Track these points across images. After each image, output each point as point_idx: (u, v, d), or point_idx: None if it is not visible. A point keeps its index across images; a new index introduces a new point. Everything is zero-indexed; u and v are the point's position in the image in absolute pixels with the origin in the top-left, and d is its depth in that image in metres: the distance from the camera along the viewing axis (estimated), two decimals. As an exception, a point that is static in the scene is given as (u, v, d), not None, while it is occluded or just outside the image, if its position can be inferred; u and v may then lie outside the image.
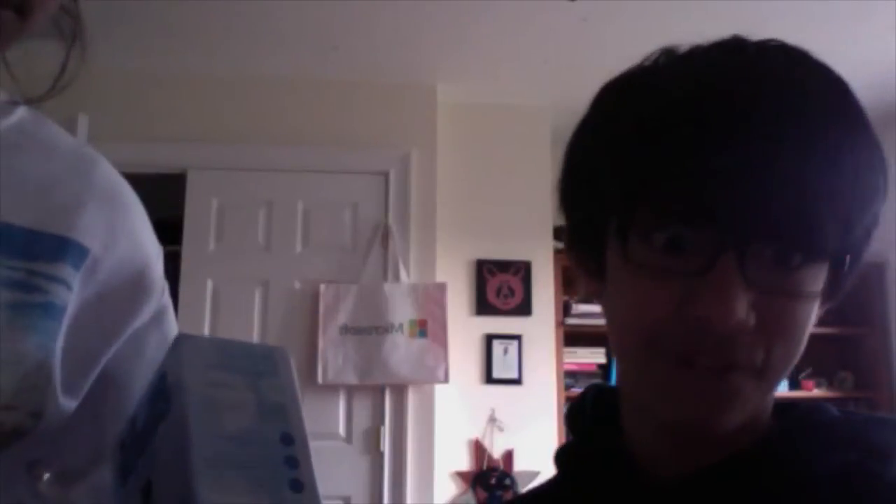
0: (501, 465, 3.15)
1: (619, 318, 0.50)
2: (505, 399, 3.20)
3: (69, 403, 0.58)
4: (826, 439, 0.48)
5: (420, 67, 3.23)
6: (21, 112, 0.59)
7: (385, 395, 2.97)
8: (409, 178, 3.19)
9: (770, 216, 0.42)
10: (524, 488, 3.01)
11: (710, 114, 0.43)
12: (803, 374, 3.67)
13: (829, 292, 0.47)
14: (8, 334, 0.50)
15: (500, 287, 3.39)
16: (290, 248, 3.07)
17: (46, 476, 0.61)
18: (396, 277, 3.05)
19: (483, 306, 3.37)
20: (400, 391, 2.99)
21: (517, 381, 3.31)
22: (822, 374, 3.71)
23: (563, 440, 3.32)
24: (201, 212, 3.07)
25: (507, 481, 3.12)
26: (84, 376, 0.60)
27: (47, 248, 0.54)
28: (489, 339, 3.34)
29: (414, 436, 2.96)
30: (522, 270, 3.38)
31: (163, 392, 0.63)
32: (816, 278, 0.45)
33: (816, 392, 3.63)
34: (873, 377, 3.68)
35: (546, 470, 3.10)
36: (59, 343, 0.55)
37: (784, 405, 0.52)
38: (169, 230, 3.46)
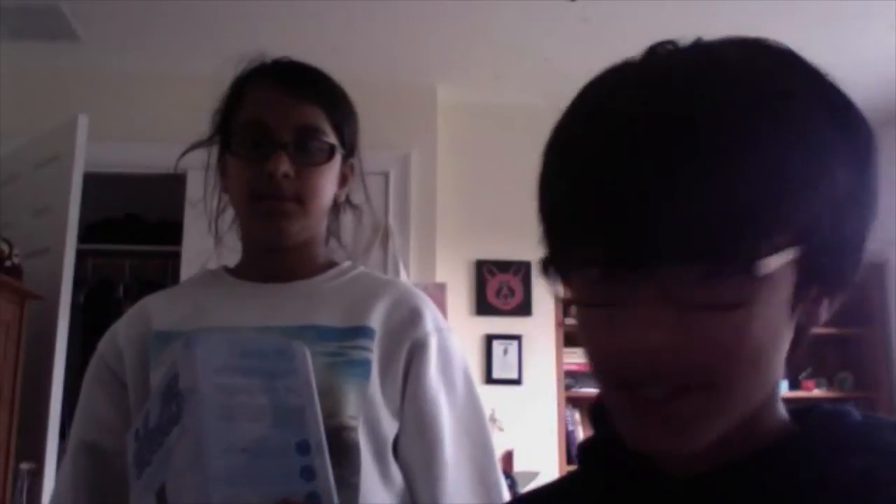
0: (501, 466, 3.15)
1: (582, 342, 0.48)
2: (505, 399, 3.19)
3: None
4: (844, 444, 0.47)
5: (420, 67, 3.23)
6: (358, 269, 1.04)
7: (385, 395, 2.97)
8: (409, 178, 3.19)
9: (659, 240, 0.41)
10: (524, 488, 3.01)
11: (605, 149, 0.43)
12: (803, 374, 3.67)
13: (805, 291, 0.44)
14: (327, 378, 0.87)
15: (500, 287, 3.39)
16: (290, 249, 3.07)
17: None
18: (396, 277, 3.05)
19: (483, 306, 3.37)
20: (400, 391, 2.99)
21: (517, 382, 3.31)
22: (822, 374, 3.71)
23: (563, 440, 3.32)
24: (201, 212, 3.06)
25: (507, 481, 3.11)
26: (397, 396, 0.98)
27: (348, 334, 0.94)
28: (489, 340, 3.34)
29: (414, 436, 2.95)
30: (522, 270, 3.37)
31: (176, 395, 0.62)
32: (744, 286, 0.41)
33: (816, 392, 3.63)
34: (873, 377, 3.68)
35: (546, 470, 3.10)
36: (372, 377, 0.93)
37: (805, 408, 0.51)
38: (169, 230, 3.46)
